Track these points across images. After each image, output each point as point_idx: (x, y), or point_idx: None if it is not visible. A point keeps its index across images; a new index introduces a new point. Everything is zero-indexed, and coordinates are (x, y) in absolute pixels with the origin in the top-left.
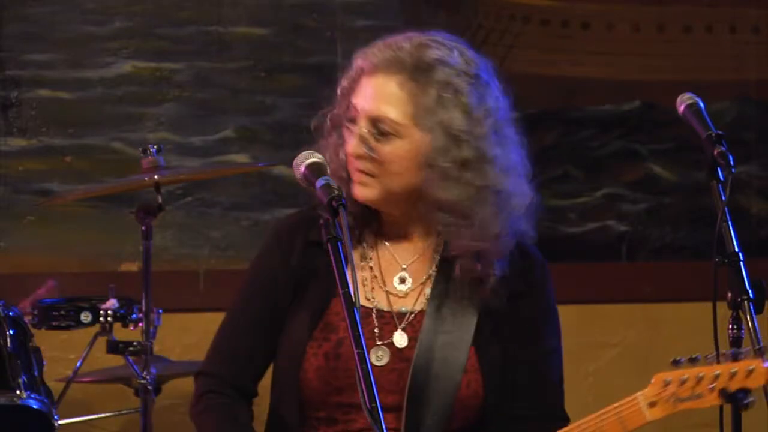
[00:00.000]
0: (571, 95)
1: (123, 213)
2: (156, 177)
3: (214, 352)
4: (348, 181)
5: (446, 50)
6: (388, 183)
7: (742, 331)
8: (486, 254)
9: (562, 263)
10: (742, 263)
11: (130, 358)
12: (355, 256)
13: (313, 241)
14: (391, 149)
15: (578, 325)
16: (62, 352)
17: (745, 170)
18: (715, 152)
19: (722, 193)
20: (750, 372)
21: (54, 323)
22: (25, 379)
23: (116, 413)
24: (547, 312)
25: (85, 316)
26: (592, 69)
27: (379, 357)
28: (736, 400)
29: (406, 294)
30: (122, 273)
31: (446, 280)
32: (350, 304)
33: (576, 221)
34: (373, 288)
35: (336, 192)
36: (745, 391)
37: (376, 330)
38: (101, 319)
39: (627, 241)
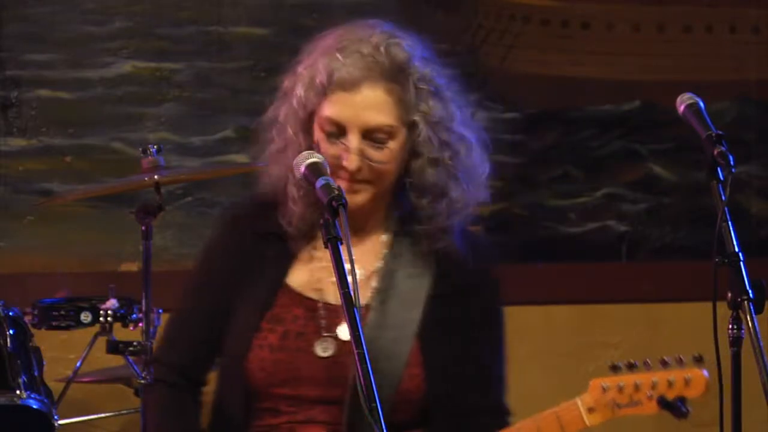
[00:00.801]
0: (571, 95)
1: (123, 213)
2: (156, 177)
3: (165, 340)
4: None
5: (408, 42)
6: (380, 185)
7: (742, 331)
8: (451, 229)
9: (562, 263)
10: (742, 263)
11: (130, 358)
12: (306, 250)
13: (261, 232)
14: (386, 154)
15: (578, 325)
16: (62, 352)
17: (745, 170)
18: (715, 152)
19: (722, 193)
20: (688, 381)
21: (54, 323)
22: (25, 379)
23: (116, 413)
24: (494, 308)
25: (85, 316)
26: (592, 69)
27: (324, 349)
28: (674, 408)
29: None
30: (122, 273)
31: (392, 274)
32: (350, 304)
33: (576, 221)
34: (320, 279)
35: (336, 192)
36: (683, 400)
37: (322, 322)
38: (101, 319)
39: (627, 241)
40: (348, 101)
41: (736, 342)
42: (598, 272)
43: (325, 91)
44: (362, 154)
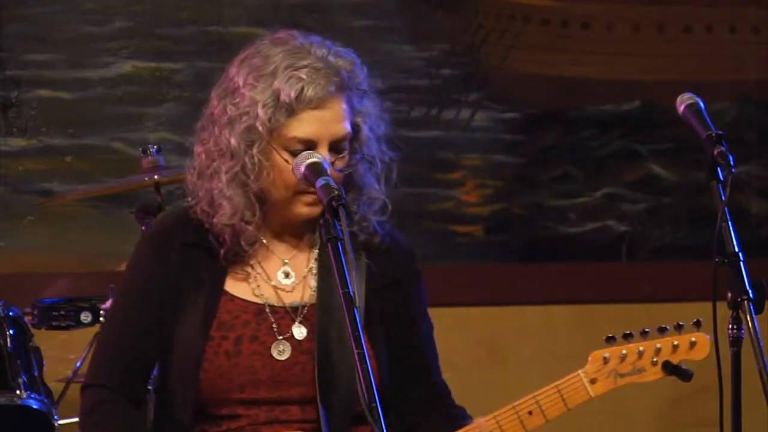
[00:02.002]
0: (571, 95)
1: (123, 213)
2: (156, 177)
3: (100, 362)
4: (288, 201)
5: (346, 50)
6: None
7: (742, 331)
8: (375, 223)
9: (562, 263)
10: (742, 263)
11: None
12: (236, 258)
13: (190, 243)
14: (345, 160)
15: (578, 325)
16: (62, 352)
17: (745, 170)
18: (715, 152)
19: (722, 193)
20: (693, 344)
21: (54, 323)
22: (25, 379)
23: None
24: (421, 297)
25: (85, 316)
26: (592, 69)
27: (280, 351)
28: (680, 372)
29: (293, 288)
30: (122, 273)
31: (328, 272)
32: (350, 304)
33: (576, 221)
34: (259, 285)
35: (336, 192)
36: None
37: (274, 326)
38: (101, 319)
39: (627, 241)
40: (318, 118)
41: (736, 342)
42: (598, 272)
43: (293, 110)
44: (332, 166)
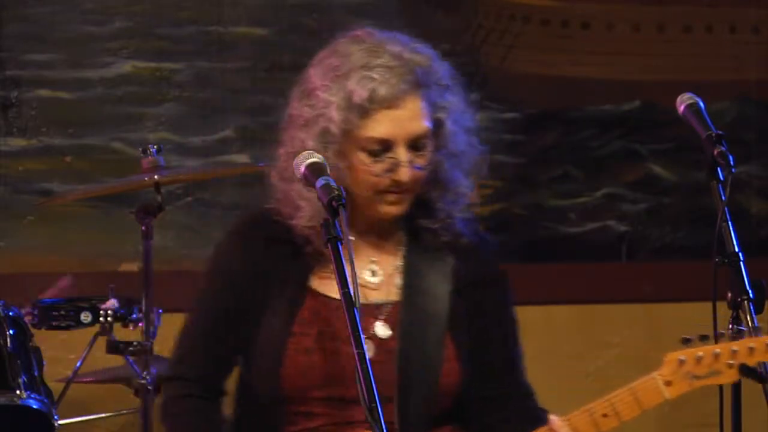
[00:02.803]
0: (571, 95)
1: (123, 213)
2: (156, 177)
3: (183, 354)
4: (371, 200)
5: (425, 46)
6: (418, 190)
7: (743, 331)
8: (460, 221)
9: (562, 263)
10: (742, 263)
11: (130, 358)
12: (321, 254)
13: (276, 238)
14: (427, 158)
15: (578, 325)
16: (62, 352)
17: (745, 170)
18: (715, 152)
19: (722, 193)
20: None
21: (54, 323)
22: (25, 379)
23: (116, 413)
24: (509, 297)
25: (85, 316)
26: (592, 69)
27: None
28: (755, 374)
29: (378, 286)
30: (122, 273)
31: (415, 270)
32: (350, 304)
33: (576, 221)
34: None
35: (336, 192)
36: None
37: None
38: (101, 319)
39: (627, 241)
40: (393, 117)
41: None
42: (598, 272)
43: (367, 111)
44: (411, 165)
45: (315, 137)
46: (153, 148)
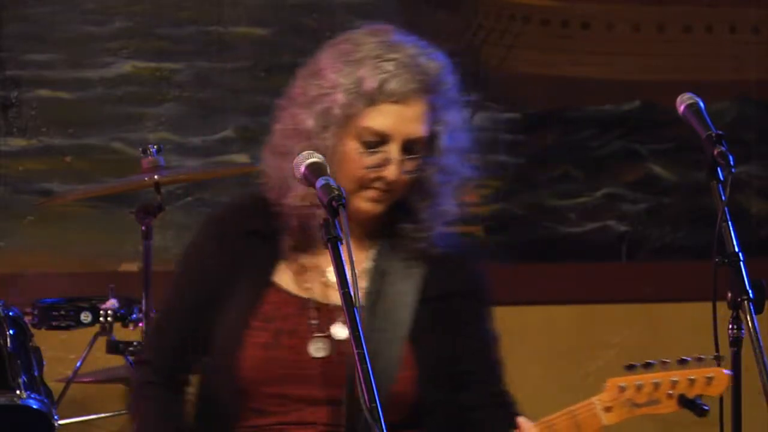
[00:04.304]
0: (571, 95)
1: (123, 213)
2: (156, 177)
3: (152, 341)
4: (350, 194)
5: (441, 54)
6: (399, 193)
7: (742, 331)
8: (441, 232)
9: (562, 263)
10: (742, 263)
11: (130, 358)
12: (292, 249)
13: (252, 230)
14: (416, 164)
15: (578, 325)
16: (62, 352)
17: (745, 170)
18: (715, 152)
19: (722, 193)
20: (710, 380)
21: (54, 323)
22: (25, 379)
23: (116, 413)
24: (486, 307)
25: (85, 316)
26: (592, 69)
27: (318, 349)
28: (694, 407)
29: None
30: (122, 273)
31: (382, 275)
32: (350, 304)
33: (576, 221)
34: (308, 279)
35: (336, 192)
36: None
37: (314, 321)
38: (101, 319)
39: (627, 241)
40: (397, 113)
41: (736, 342)
42: (598, 272)
43: (373, 100)
44: (401, 165)
45: (316, 116)
46: (153, 148)
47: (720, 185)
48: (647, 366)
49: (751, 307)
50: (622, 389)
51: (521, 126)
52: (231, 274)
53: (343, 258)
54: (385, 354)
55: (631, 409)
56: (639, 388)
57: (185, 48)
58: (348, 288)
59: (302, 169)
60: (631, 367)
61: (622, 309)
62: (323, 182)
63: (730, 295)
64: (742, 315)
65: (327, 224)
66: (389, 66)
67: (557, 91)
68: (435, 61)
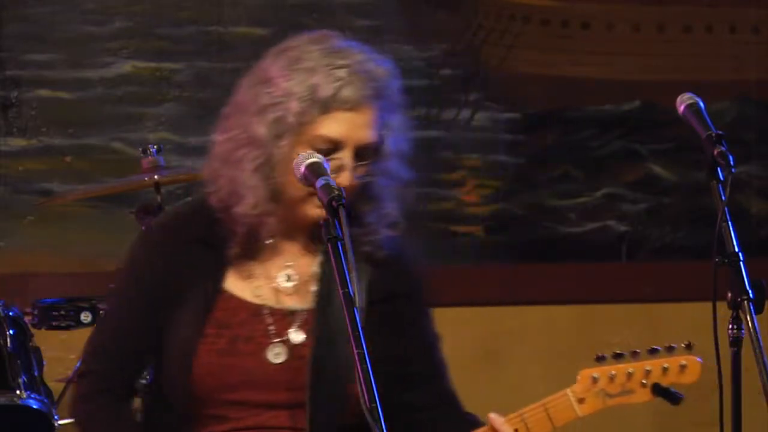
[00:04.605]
0: (571, 95)
1: (123, 213)
2: (156, 177)
3: (98, 351)
4: (301, 200)
5: (384, 59)
6: (349, 198)
7: (742, 331)
8: (384, 235)
9: (562, 263)
10: (742, 263)
11: None
12: (239, 256)
13: (194, 239)
14: (365, 169)
15: (578, 325)
16: (62, 352)
17: (745, 170)
18: (715, 152)
19: (722, 193)
20: (683, 367)
21: (54, 323)
22: (25, 379)
23: None
24: (426, 310)
25: (85, 316)
26: (592, 69)
27: (276, 354)
28: (669, 395)
29: (294, 291)
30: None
31: (330, 280)
32: (350, 304)
33: (576, 221)
34: (260, 285)
35: (336, 192)
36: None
37: (271, 327)
38: None
39: (627, 241)
40: (349, 120)
41: (736, 342)
42: (598, 272)
43: (327, 108)
44: (353, 171)
45: (269, 124)
46: (153, 148)
47: (720, 185)
48: (618, 356)
49: (751, 307)
50: (595, 380)
51: (521, 126)
52: (177, 281)
53: (342, 258)
54: (340, 356)
55: (605, 400)
56: (612, 378)
57: (185, 48)
58: (348, 288)
59: (302, 169)
60: (601, 358)
61: (622, 309)
62: (323, 182)
63: (730, 295)
64: (742, 315)
65: (327, 224)
66: (341, 73)
67: (557, 91)
68: (382, 67)
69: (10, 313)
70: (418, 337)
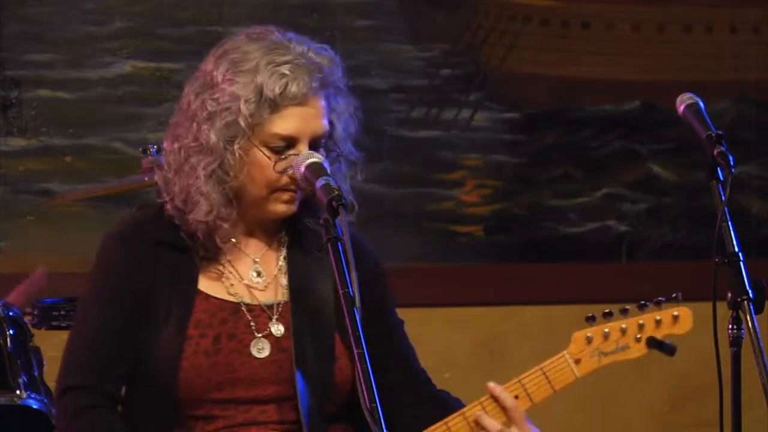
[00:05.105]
0: (571, 95)
1: (123, 213)
2: (156, 177)
3: (77, 365)
4: (264, 199)
5: (323, 46)
6: (307, 191)
7: (742, 331)
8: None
9: (562, 263)
10: (742, 263)
11: None
12: (206, 257)
13: (161, 241)
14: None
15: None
16: (62, 352)
17: (745, 170)
18: (715, 152)
19: (722, 193)
20: (676, 318)
21: (54, 323)
22: (25, 379)
23: None
24: (389, 295)
25: None
26: (592, 69)
27: (260, 349)
28: (664, 347)
29: (265, 286)
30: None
31: (298, 271)
32: (350, 304)
33: (576, 221)
34: (232, 284)
35: (336, 192)
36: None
37: (252, 323)
38: None
39: (627, 241)
40: (301, 114)
41: (736, 342)
42: (598, 272)
43: (276, 106)
44: None
45: (219, 130)
46: (153, 148)
47: (720, 185)
48: (607, 315)
49: (751, 307)
50: (589, 339)
51: (521, 126)
52: (150, 287)
53: (342, 258)
54: (321, 345)
55: (600, 359)
56: (606, 336)
57: (185, 48)
58: (348, 288)
59: (302, 169)
60: (591, 319)
61: None
62: (323, 182)
63: (730, 295)
64: (742, 315)
65: (327, 224)
66: (285, 69)
67: (557, 91)
68: (323, 55)
69: (10, 313)
70: (386, 320)
